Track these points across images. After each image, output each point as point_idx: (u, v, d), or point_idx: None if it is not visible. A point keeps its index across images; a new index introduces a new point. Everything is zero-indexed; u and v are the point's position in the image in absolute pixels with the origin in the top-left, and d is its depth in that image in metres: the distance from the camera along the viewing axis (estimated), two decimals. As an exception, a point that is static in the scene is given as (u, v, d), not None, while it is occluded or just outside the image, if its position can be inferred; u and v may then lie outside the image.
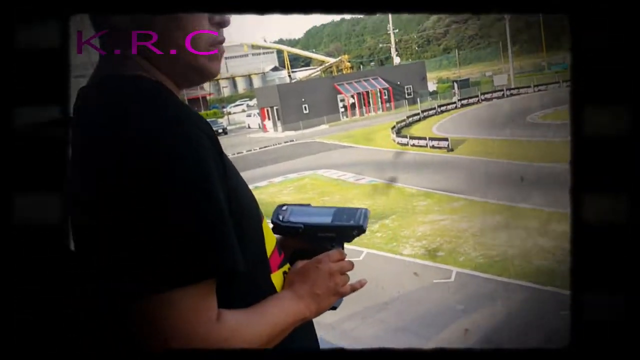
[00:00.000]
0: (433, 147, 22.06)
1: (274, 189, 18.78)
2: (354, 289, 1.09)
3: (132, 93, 0.88)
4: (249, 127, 42.10)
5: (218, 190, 0.85)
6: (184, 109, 0.89)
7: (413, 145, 23.15)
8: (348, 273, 1.09)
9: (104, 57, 0.93)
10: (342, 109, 39.25)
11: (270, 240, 1.03)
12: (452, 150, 21.20)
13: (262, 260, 0.99)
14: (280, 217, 1.14)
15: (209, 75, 0.96)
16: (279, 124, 37.13)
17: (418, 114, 32.54)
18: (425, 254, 11.38)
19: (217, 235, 0.83)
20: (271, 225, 1.10)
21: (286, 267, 1.07)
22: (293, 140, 31.30)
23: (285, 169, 21.75)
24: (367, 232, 1.16)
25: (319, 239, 1.13)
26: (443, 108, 34.93)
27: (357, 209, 1.16)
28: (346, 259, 1.10)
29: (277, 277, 1.02)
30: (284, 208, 1.16)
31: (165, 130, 0.82)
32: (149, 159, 0.80)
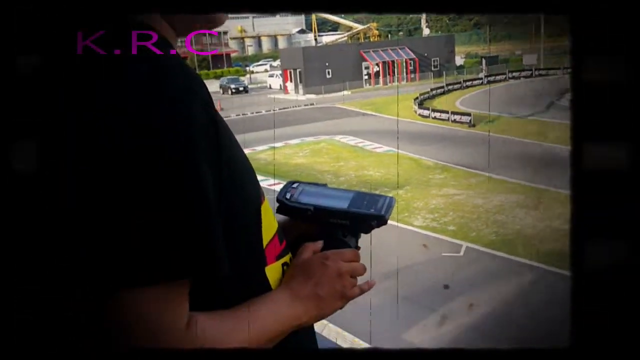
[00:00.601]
0: (455, 121, 21.72)
1: (289, 151, 18.50)
2: (362, 291, 0.94)
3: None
4: (270, 88, 41.82)
5: (205, 175, 0.70)
6: (173, 63, 0.72)
7: (434, 118, 22.83)
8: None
9: None
10: (366, 77, 38.78)
11: (269, 225, 0.87)
12: (474, 125, 20.84)
13: (255, 250, 0.84)
14: (288, 196, 0.97)
15: (216, 20, 0.82)
16: (300, 86, 36.84)
17: (442, 86, 32.01)
18: (437, 226, 11.26)
19: (197, 230, 0.69)
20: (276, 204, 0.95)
21: (287, 257, 0.90)
22: (313, 104, 31.06)
23: (303, 132, 21.56)
24: None
25: (331, 226, 0.95)
26: (468, 83, 34.33)
27: (380, 195, 0.99)
28: (360, 262, 0.94)
29: (273, 270, 0.86)
30: (295, 185, 1.00)
31: (143, 98, 0.68)
32: (119, 134, 0.66)
